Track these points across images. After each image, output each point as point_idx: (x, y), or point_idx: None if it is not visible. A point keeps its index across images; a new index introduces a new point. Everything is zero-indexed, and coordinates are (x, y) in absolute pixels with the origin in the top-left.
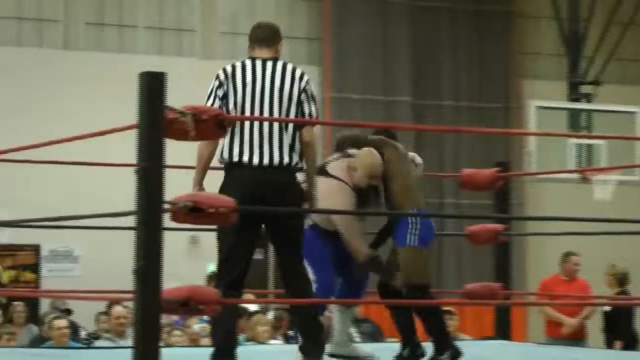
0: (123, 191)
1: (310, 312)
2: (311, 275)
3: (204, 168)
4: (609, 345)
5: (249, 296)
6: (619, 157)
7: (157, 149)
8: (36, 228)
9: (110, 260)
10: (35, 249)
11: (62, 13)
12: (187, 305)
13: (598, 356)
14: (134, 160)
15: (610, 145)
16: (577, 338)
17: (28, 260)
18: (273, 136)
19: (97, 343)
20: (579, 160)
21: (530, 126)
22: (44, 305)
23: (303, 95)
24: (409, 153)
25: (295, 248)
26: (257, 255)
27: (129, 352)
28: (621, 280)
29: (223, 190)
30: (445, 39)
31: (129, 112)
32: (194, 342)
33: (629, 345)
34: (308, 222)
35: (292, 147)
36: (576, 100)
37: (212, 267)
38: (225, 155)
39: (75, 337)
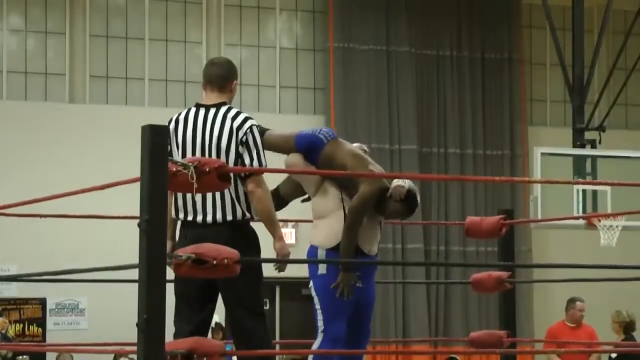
0: (130, 243)
1: None
2: (320, 324)
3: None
4: None
5: None
6: (625, 203)
7: (160, 202)
8: (42, 282)
9: (117, 312)
10: (42, 302)
11: (68, 67)
12: (190, 357)
13: None
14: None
15: (616, 191)
16: None
17: (34, 313)
18: (213, 192)
19: None
20: (584, 206)
21: (535, 173)
22: (50, 359)
23: (241, 148)
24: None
25: (245, 306)
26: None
27: None
28: (627, 327)
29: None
30: (450, 86)
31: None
32: None
33: None
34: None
35: (235, 201)
36: (581, 146)
37: (217, 319)
38: (174, 213)
39: None
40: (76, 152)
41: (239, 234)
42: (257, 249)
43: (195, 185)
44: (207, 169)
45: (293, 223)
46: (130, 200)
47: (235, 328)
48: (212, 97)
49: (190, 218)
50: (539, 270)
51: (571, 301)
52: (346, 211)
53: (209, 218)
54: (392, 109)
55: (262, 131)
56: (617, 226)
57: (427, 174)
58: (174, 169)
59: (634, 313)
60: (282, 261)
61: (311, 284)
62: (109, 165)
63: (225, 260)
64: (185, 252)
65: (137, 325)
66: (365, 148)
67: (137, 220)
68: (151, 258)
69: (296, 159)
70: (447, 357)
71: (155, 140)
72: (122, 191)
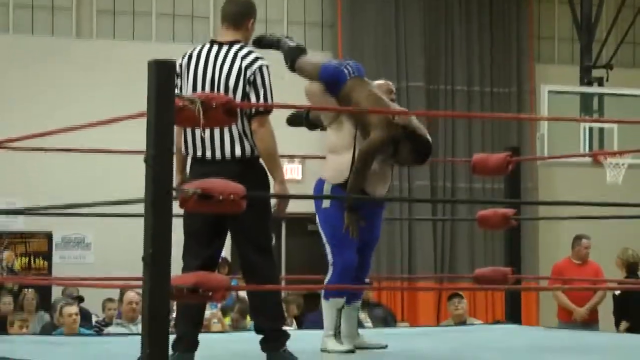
0: (136, 178)
1: (274, 299)
2: (329, 258)
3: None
4: (619, 328)
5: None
6: (631, 141)
7: (166, 137)
8: (48, 216)
9: (122, 247)
10: (48, 236)
11: (75, 1)
12: (196, 291)
13: (607, 340)
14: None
15: (622, 128)
16: (589, 322)
17: (40, 247)
18: (220, 128)
19: (109, 330)
20: (591, 144)
21: (542, 110)
22: (56, 292)
23: (248, 87)
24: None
25: (252, 241)
26: None
27: (137, 339)
28: (632, 265)
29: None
30: (458, 24)
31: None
32: (206, 328)
33: (637, 328)
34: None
35: (243, 138)
36: (588, 84)
37: (223, 253)
38: (183, 149)
39: (87, 324)
40: (83, 87)
41: (247, 170)
42: (266, 185)
43: (201, 121)
44: (214, 104)
45: (300, 159)
46: (138, 135)
47: (243, 263)
48: (227, 35)
49: (199, 154)
50: (545, 208)
51: (577, 238)
52: (356, 152)
53: (218, 154)
54: (399, 46)
55: (299, 53)
56: (623, 164)
57: (434, 110)
58: (181, 104)
59: (639, 252)
60: (284, 196)
61: (317, 218)
62: (115, 101)
63: (232, 196)
64: (191, 187)
65: (143, 259)
66: (392, 86)
67: (144, 155)
68: (156, 193)
69: (314, 87)
70: (451, 293)
71: (162, 75)
72: (130, 126)
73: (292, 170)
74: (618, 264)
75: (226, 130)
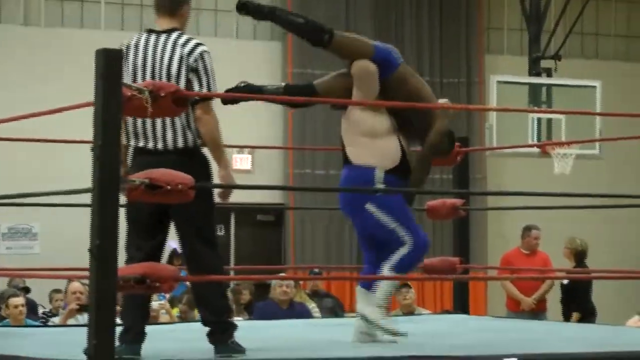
0: (85, 168)
1: (219, 290)
2: (405, 238)
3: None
4: (567, 317)
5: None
6: (579, 131)
7: (113, 127)
8: None
9: (70, 237)
10: None
11: None
12: (144, 282)
13: (554, 329)
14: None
15: (570, 119)
16: (537, 311)
17: None
18: (162, 118)
19: (55, 320)
20: (539, 134)
21: (491, 101)
22: (2, 283)
23: (191, 74)
24: None
25: (195, 231)
26: (219, 232)
27: (84, 330)
28: (577, 255)
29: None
30: (408, 15)
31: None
32: (154, 319)
33: (586, 318)
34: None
35: (185, 128)
36: (537, 74)
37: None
38: (124, 139)
39: (34, 315)
40: (31, 75)
41: (189, 160)
42: (208, 175)
43: (150, 110)
44: (162, 94)
45: (249, 149)
46: (88, 125)
47: (187, 254)
48: (164, 23)
49: (141, 144)
50: (494, 198)
51: (527, 229)
52: (399, 137)
53: (160, 144)
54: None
55: (330, 30)
56: (570, 154)
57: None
58: (129, 94)
59: (587, 242)
60: (231, 187)
61: (368, 206)
62: (64, 89)
63: (180, 186)
64: (139, 177)
65: (90, 250)
66: None
67: (91, 145)
68: (104, 183)
69: (372, 67)
70: (400, 283)
71: (110, 64)
72: (79, 115)
73: (241, 161)
74: (566, 254)
75: (168, 120)
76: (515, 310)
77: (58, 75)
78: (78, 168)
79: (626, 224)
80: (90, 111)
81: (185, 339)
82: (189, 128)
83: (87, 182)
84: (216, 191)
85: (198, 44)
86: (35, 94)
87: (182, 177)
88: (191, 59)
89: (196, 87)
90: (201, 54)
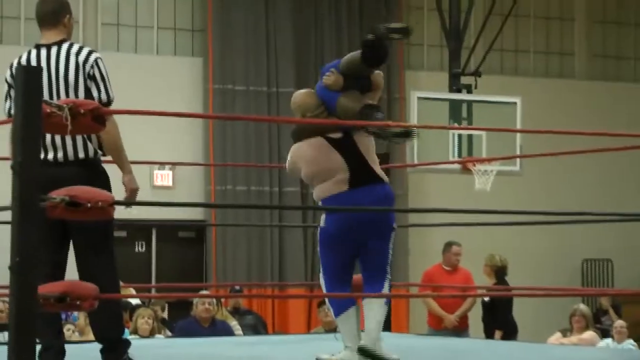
0: (3, 185)
1: (111, 308)
2: (388, 269)
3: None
4: (489, 334)
5: (130, 290)
6: (499, 148)
7: (33, 144)
8: None
9: None
10: None
11: None
12: (64, 300)
13: (477, 346)
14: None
15: (491, 135)
16: (459, 329)
17: None
18: None
19: None
20: (460, 150)
21: (412, 117)
22: None
23: (89, 82)
24: None
25: (91, 245)
26: (140, 248)
27: (4, 349)
28: (497, 271)
29: None
30: (328, 29)
31: None
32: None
33: (508, 335)
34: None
35: (86, 139)
36: (457, 91)
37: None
38: None
39: None
40: None
41: (89, 172)
42: (108, 187)
43: (69, 127)
44: (82, 111)
45: (170, 165)
46: (3, 141)
47: (81, 267)
48: (50, 36)
49: (42, 156)
50: (415, 214)
51: (447, 245)
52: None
53: (60, 155)
54: (270, 51)
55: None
56: (491, 171)
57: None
58: (48, 111)
59: (506, 258)
60: (151, 204)
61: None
62: None
63: (100, 203)
64: (59, 194)
65: (9, 267)
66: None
67: (10, 162)
68: (24, 200)
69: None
70: (321, 300)
71: (30, 81)
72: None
73: (162, 177)
74: (486, 271)
75: None
76: (437, 327)
77: None
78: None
79: (545, 240)
80: (7, 128)
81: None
82: (89, 139)
83: (6, 200)
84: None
85: (91, 51)
86: None
87: (103, 195)
88: (87, 67)
89: (95, 94)
90: (96, 61)
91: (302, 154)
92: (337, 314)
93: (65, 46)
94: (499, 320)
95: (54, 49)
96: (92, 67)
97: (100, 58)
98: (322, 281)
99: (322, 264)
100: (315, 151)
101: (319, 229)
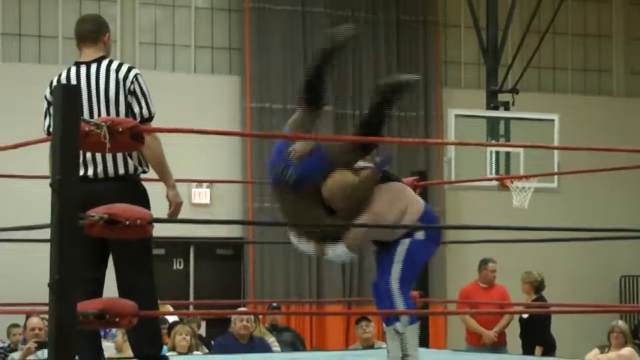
0: (44, 203)
1: (149, 324)
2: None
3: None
4: (526, 351)
5: (167, 307)
6: (537, 165)
7: (72, 162)
8: None
9: (29, 272)
10: None
11: None
12: (103, 317)
13: None
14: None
15: (528, 152)
16: (498, 345)
17: None
18: None
19: (13, 356)
20: (497, 168)
21: (449, 134)
22: None
23: (130, 97)
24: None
25: (131, 261)
26: (178, 266)
27: None
28: (537, 287)
29: None
30: (366, 48)
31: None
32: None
33: (547, 351)
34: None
35: (126, 155)
36: (495, 108)
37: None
38: None
39: None
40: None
41: (128, 188)
42: (146, 203)
43: (108, 145)
44: (120, 129)
45: (208, 183)
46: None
47: (121, 283)
48: (89, 53)
49: (81, 172)
50: (452, 232)
51: (483, 262)
52: None
53: (100, 171)
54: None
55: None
56: (529, 188)
57: (342, 135)
58: (87, 129)
59: (542, 273)
60: (189, 222)
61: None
62: (23, 125)
63: (138, 221)
64: (97, 212)
65: (49, 285)
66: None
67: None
68: (63, 218)
69: None
70: (359, 317)
71: (68, 100)
72: (39, 150)
73: (200, 195)
74: (525, 289)
75: None
76: (476, 344)
77: (16, 110)
78: (38, 203)
79: (583, 257)
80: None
81: None
82: (130, 155)
83: (44, 218)
84: (166, 211)
85: (131, 68)
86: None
87: (141, 212)
88: (127, 83)
89: (136, 110)
90: (136, 77)
91: (407, 195)
92: (411, 322)
93: (104, 63)
94: (538, 336)
95: (93, 66)
96: (132, 82)
97: (139, 74)
98: (395, 290)
99: (406, 276)
100: (397, 187)
101: (412, 240)
